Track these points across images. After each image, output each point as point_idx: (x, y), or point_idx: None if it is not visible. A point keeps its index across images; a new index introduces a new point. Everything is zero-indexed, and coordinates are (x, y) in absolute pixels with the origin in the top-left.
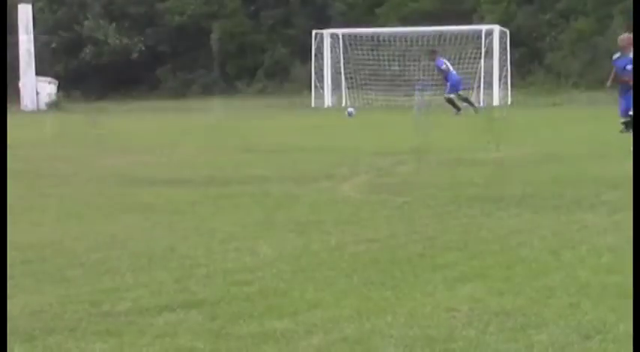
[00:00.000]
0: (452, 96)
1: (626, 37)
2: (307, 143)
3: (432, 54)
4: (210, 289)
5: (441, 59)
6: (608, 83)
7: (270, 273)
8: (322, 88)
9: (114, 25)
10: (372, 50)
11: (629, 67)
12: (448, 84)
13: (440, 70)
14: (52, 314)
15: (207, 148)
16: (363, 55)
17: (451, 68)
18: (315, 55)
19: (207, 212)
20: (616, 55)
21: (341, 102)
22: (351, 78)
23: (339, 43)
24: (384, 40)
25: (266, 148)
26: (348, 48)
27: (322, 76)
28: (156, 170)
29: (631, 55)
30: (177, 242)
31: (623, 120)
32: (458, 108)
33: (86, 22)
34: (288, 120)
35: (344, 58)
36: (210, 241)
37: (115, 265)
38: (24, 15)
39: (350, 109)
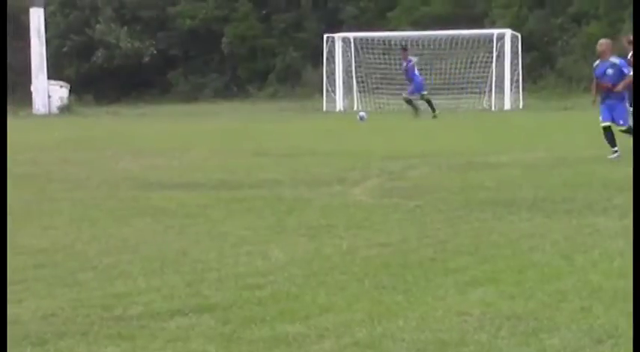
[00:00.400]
0: (413, 97)
1: (604, 42)
2: (319, 147)
3: (403, 52)
4: (222, 293)
5: (411, 58)
6: (595, 98)
7: (282, 277)
8: (334, 91)
9: (125, 28)
10: (384, 54)
11: (610, 70)
12: (412, 85)
13: (406, 70)
14: (63, 318)
15: (219, 152)
16: (375, 58)
17: (416, 69)
18: (327, 59)
19: (219, 216)
20: (595, 63)
21: (353, 106)
22: (363, 82)
23: (350, 47)
24: (395, 44)
25: (278, 152)
26: (360, 52)
27: (334, 80)
28: (168, 174)
29: (612, 59)
30: (189, 246)
31: (619, 128)
32: (417, 110)
33: (98, 26)
34: (299, 124)
35: (355, 62)
36: (222, 245)
37: (127, 269)
38: (36, 19)
39: (361, 113)
